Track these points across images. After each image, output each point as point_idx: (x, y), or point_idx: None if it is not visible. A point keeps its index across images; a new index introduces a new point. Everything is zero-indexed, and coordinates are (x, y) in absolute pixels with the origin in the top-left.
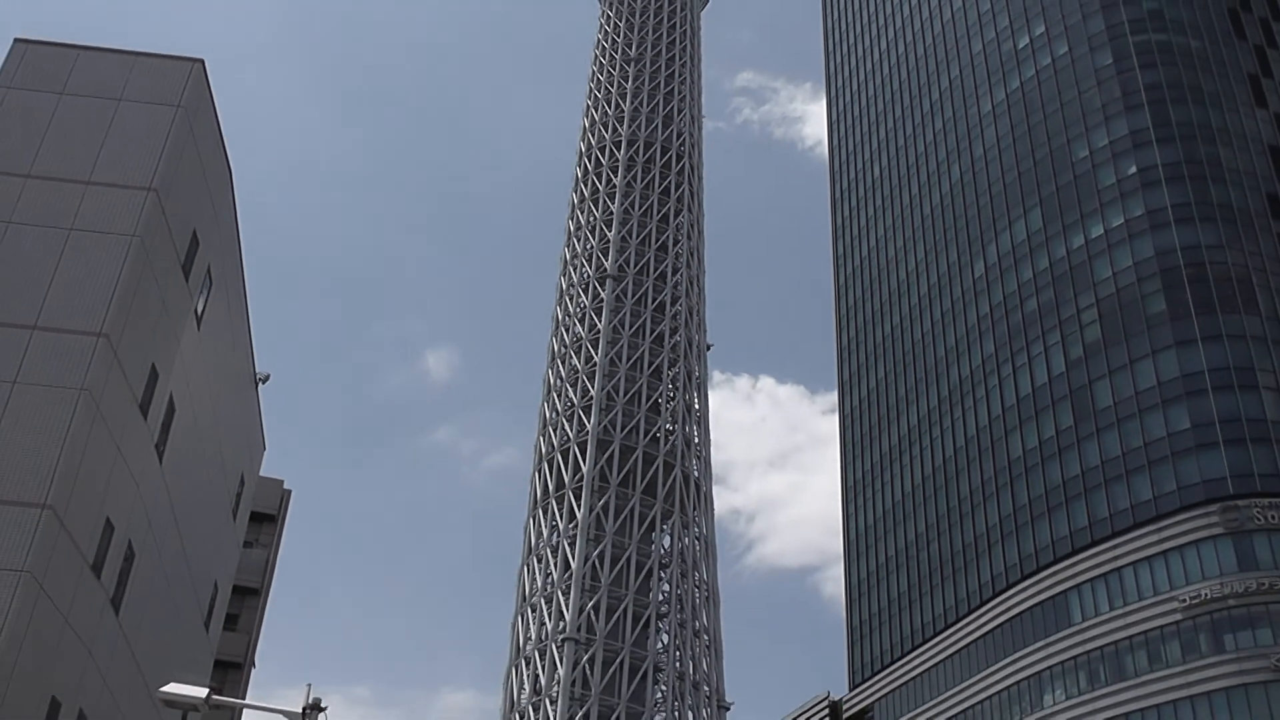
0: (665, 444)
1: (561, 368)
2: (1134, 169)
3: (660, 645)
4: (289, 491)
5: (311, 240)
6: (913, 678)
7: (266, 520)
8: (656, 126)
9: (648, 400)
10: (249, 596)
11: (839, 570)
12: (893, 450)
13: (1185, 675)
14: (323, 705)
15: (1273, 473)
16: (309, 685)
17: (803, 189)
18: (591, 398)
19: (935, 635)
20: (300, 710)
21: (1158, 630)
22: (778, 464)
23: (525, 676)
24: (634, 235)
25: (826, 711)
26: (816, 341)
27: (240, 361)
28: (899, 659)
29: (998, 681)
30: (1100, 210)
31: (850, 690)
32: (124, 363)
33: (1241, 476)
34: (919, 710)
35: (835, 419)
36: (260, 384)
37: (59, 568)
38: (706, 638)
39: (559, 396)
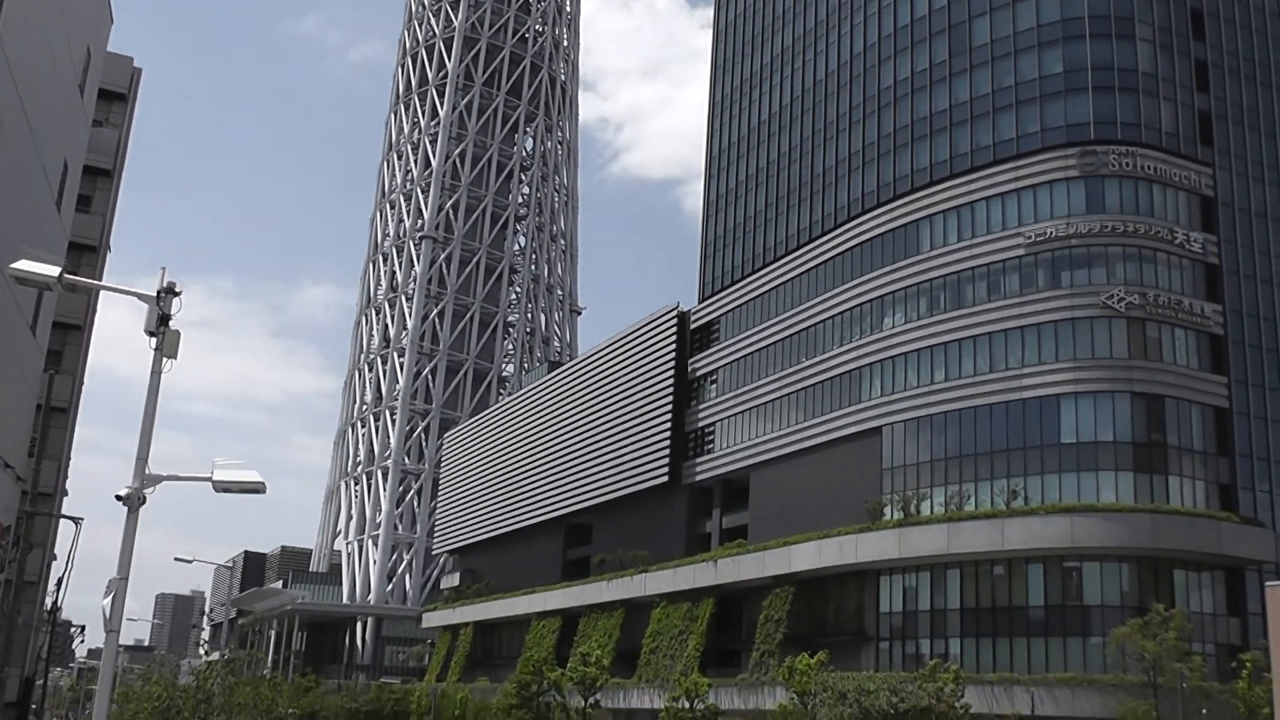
0: (534, 45)
1: None
2: None
3: (517, 247)
4: (139, 70)
5: None
6: (760, 294)
7: (117, 99)
8: None
9: None
10: (101, 178)
11: (700, 186)
12: (765, 68)
13: (1021, 307)
14: (177, 290)
15: (1134, 122)
16: (164, 269)
17: None
18: None
19: (786, 255)
20: (154, 294)
21: (1000, 264)
22: (650, 74)
23: (382, 273)
24: None
25: (674, 321)
26: None
27: None
28: (749, 275)
29: (842, 303)
30: None
31: (699, 302)
32: None
33: (1104, 124)
34: (763, 325)
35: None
36: None
37: None
38: (563, 243)
39: None
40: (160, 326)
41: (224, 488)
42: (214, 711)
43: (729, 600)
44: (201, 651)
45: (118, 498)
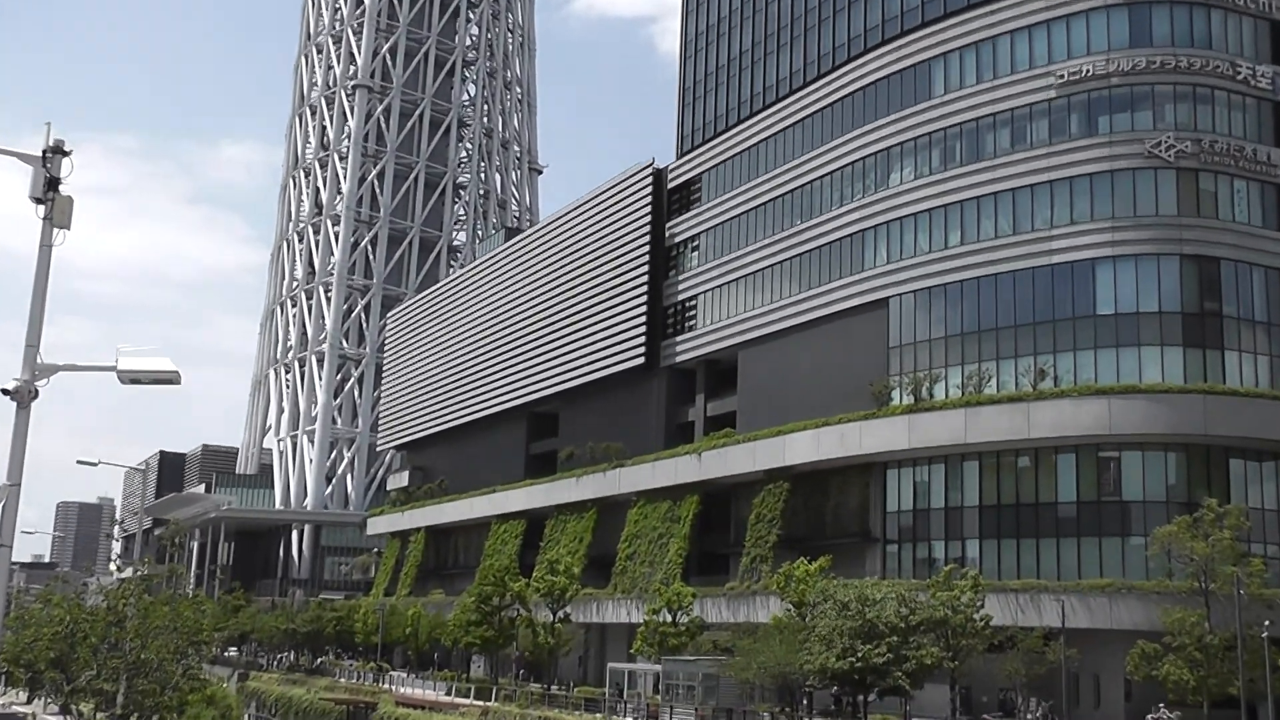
0: None
1: None
2: None
3: (465, 97)
4: None
5: None
6: (747, 148)
7: None
8: None
9: None
10: None
11: (677, 22)
12: None
13: (1051, 158)
14: (66, 149)
15: None
16: (48, 125)
17: None
18: None
19: (777, 101)
20: (39, 154)
21: (1027, 108)
22: None
23: (311, 128)
24: None
25: (649, 180)
26: None
27: None
28: (734, 126)
29: (841, 157)
30: None
31: (677, 159)
32: None
33: None
34: (752, 184)
35: None
36: None
37: None
38: (519, 90)
39: None
40: (48, 192)
41: (132, 378)
42: (127, 636)
43: (715, 498)
44: (113, 568)
45: (4, 391)
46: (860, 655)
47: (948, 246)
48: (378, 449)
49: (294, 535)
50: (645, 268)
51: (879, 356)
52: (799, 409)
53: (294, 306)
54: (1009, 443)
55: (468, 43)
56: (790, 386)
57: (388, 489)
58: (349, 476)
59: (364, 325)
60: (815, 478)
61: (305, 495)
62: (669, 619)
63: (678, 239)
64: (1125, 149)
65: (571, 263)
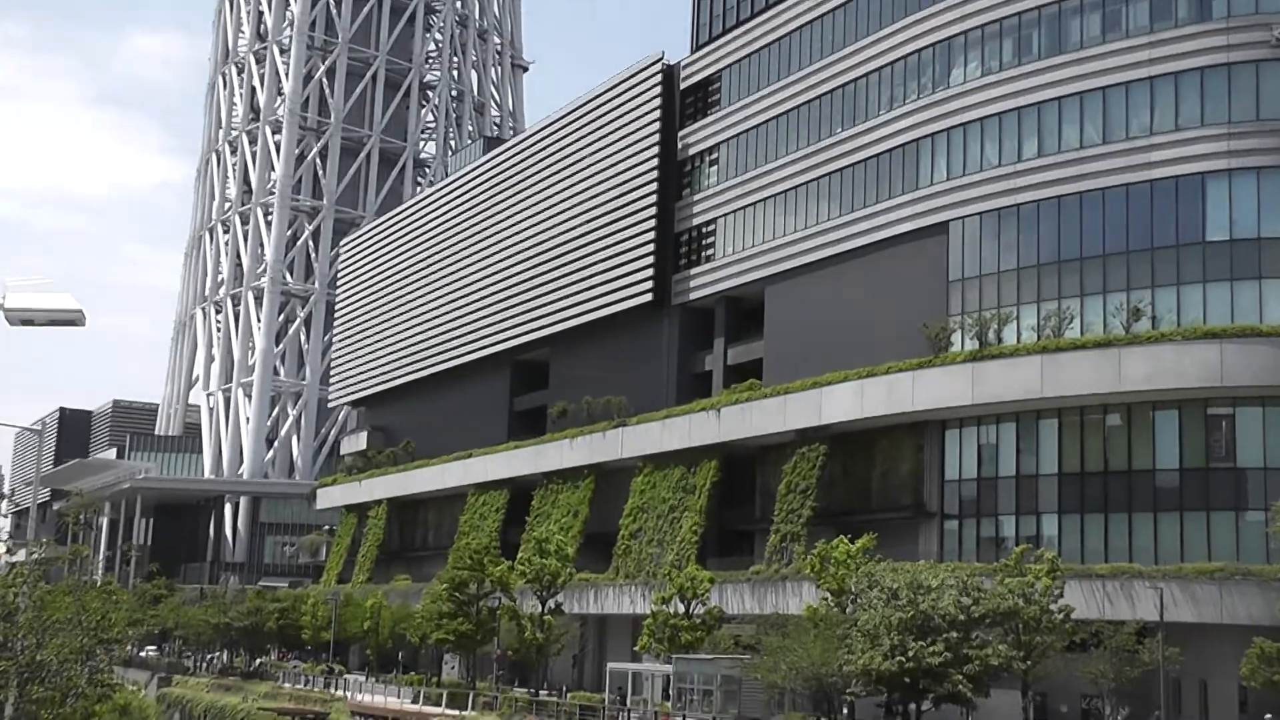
0: None
1: None
2: None
3: None
4: None
5: None
6: (778, 39)
7: None
8: None
9: None
10: None
11: None
12: None
13: (1151, 49)
14: None
15: None
16: None
17: None
18: None
19: None
20: None
21: None
22: None
23: (244, 14)
24: None
25: (658, 79)
26: None
27: None
28: (761, 12)
29: (892, 49)
30: None
31: (692, 53)
32: None
33: None
34: (782, 83)
35: None
36: None
37: None
38: None
39: None
40: None
41: (23, 319)
42: (18, 633)
43: (737, 464)
44: (1, 550)
45: None
46: (912, 654)
47: (1021, 159)
48: (329, 405)
49: (227, 510)
50: (654, 186)
51: (937, 293)
52: (839, 356)
53: (226, 233)
54: (1095, 397)
55: None
56: (828, 329)
57: (342, 454)
58: (294, 438)
59: (312, 255)
60: (858, 439)
61: (241, 461)
62: (681, 609)
63: (693, 151)
64: (1246, 37)
65: (564, 180)
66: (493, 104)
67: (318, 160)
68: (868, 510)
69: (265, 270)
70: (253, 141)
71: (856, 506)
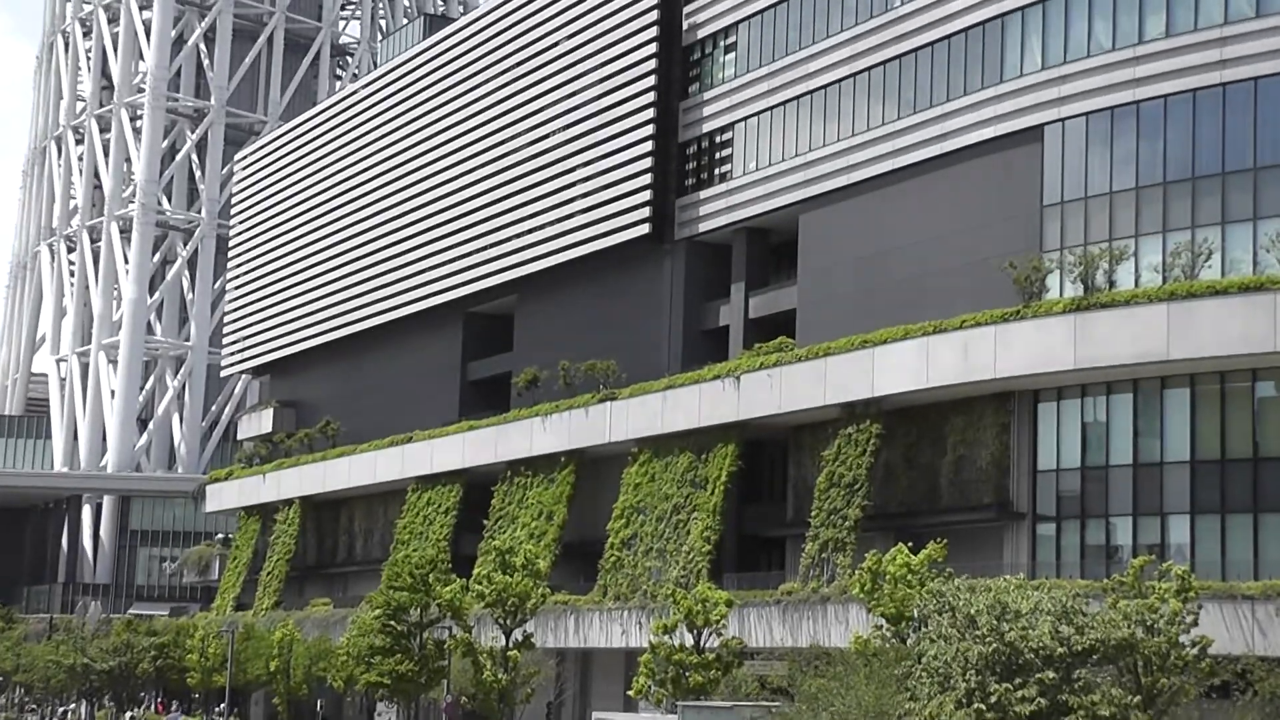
0: None
1: None
2: None
3: None
4: None
5: None
6: None
7: None
8: None
9: None
10: None
11: None
12: None
13: None
14: None
15: None
16: None
17: None
18: None
19: None
20: None
21: None
22: None
23: None
24: None
25: None
26: None
27: None
28: None
29: None
30: None
31: None
32: None
33: None
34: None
35: None
36: None
37: None
38: None
39: None
40: None
41: None
42: None
43: (762, 450)
44: None
45: None
46: (995, 700)
47: (1142, 41)
48: (222, 374)
49: (85, 514)
50: (651, 80)
51: (1027, 220)
52: (896, 306)
53: (79, 144)
54: (1242, 358)
55: None
56: (882, 270)
57: (239, 438)
58: (175, 419)
59: (196, 174)
60: (923, 416)
61: (103, 450)
62: (689, 641)
63: (702, 33)
64: None
65: (532, 74)
66: None
67: (202, 45)
68: (935, 510)
69: (134, 194)
70: (113, 20)
71: (920, 506)
